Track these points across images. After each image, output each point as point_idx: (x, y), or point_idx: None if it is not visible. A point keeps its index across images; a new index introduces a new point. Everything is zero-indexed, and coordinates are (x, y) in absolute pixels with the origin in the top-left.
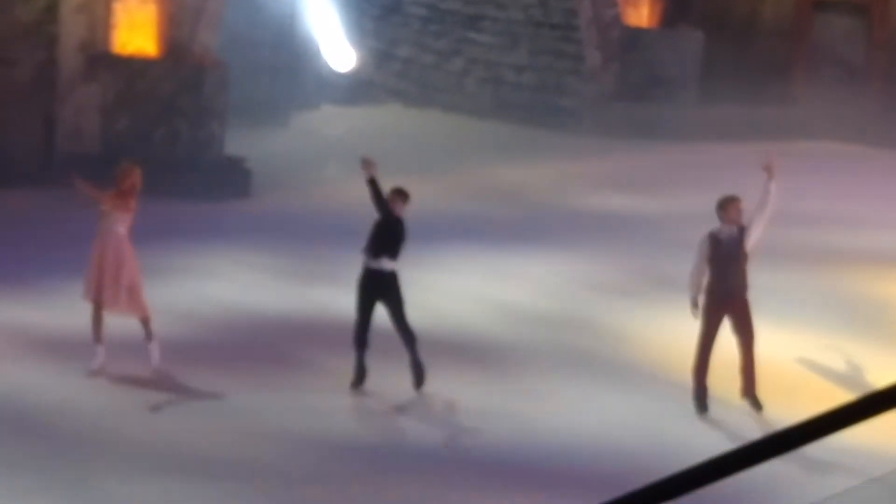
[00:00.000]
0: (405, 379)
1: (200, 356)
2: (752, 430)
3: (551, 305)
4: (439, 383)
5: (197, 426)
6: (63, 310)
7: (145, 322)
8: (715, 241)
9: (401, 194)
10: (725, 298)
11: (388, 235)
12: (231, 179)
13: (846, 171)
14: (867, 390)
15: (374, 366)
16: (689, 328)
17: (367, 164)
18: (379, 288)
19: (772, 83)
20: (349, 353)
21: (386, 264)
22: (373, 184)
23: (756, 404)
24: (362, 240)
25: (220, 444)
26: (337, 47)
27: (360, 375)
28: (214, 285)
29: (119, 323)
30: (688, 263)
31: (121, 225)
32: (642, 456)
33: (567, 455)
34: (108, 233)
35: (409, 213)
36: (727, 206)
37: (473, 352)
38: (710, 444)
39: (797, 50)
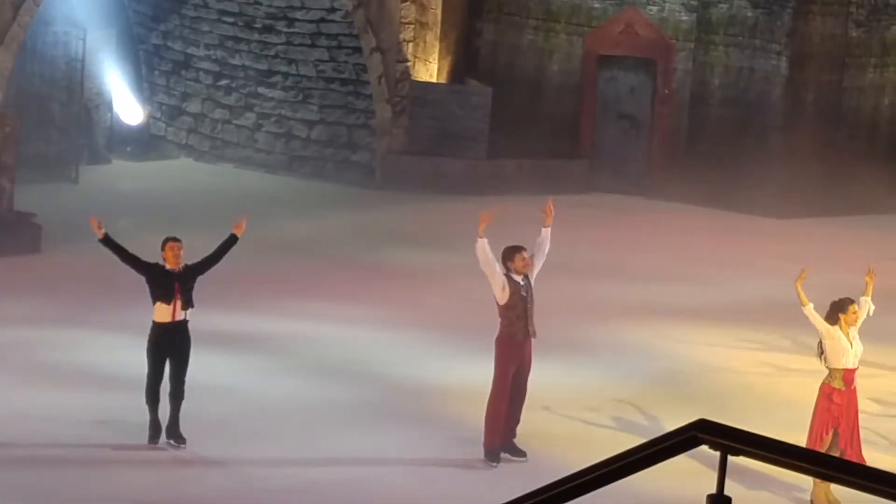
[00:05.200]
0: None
1: None
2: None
3: (343, 359)
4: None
5: None
6: None
7: None
8: (512, 282)
9: (170, 241)
10: (523, 342)
11: (173, 285)
12: (21, 235)
13: (623, 223)
14: (647, 436)
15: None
16: (483, 375)
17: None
18: (174, 340)
19: (560, 137)
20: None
21: (181, 315)
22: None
23: (519, 452)
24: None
25: None
26: (128, 103)
27: (156, 431)
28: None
29: None
30: (479, 315)
31: None
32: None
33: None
34: None
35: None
36: (512, 256)
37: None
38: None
39: (584, 104)
